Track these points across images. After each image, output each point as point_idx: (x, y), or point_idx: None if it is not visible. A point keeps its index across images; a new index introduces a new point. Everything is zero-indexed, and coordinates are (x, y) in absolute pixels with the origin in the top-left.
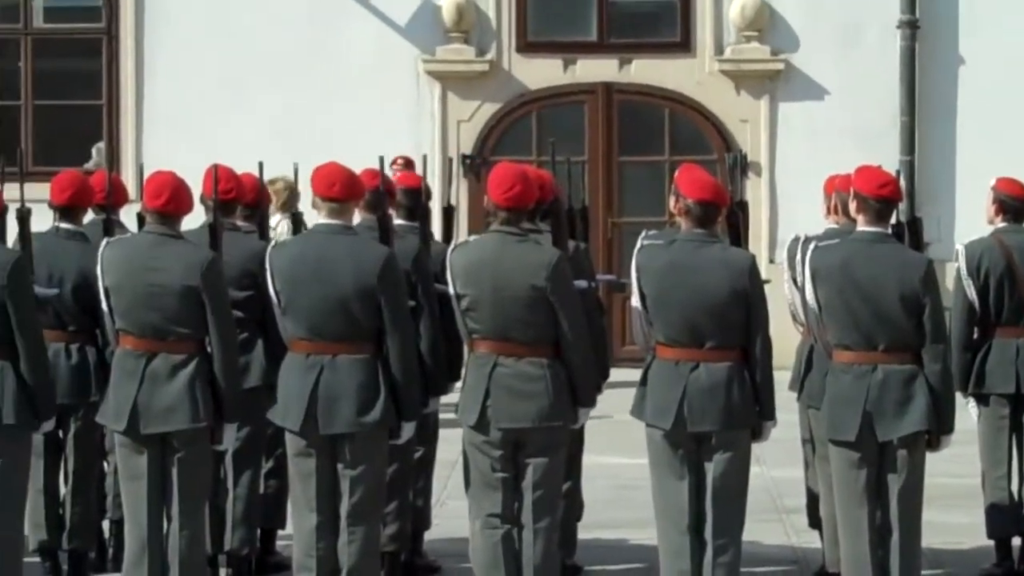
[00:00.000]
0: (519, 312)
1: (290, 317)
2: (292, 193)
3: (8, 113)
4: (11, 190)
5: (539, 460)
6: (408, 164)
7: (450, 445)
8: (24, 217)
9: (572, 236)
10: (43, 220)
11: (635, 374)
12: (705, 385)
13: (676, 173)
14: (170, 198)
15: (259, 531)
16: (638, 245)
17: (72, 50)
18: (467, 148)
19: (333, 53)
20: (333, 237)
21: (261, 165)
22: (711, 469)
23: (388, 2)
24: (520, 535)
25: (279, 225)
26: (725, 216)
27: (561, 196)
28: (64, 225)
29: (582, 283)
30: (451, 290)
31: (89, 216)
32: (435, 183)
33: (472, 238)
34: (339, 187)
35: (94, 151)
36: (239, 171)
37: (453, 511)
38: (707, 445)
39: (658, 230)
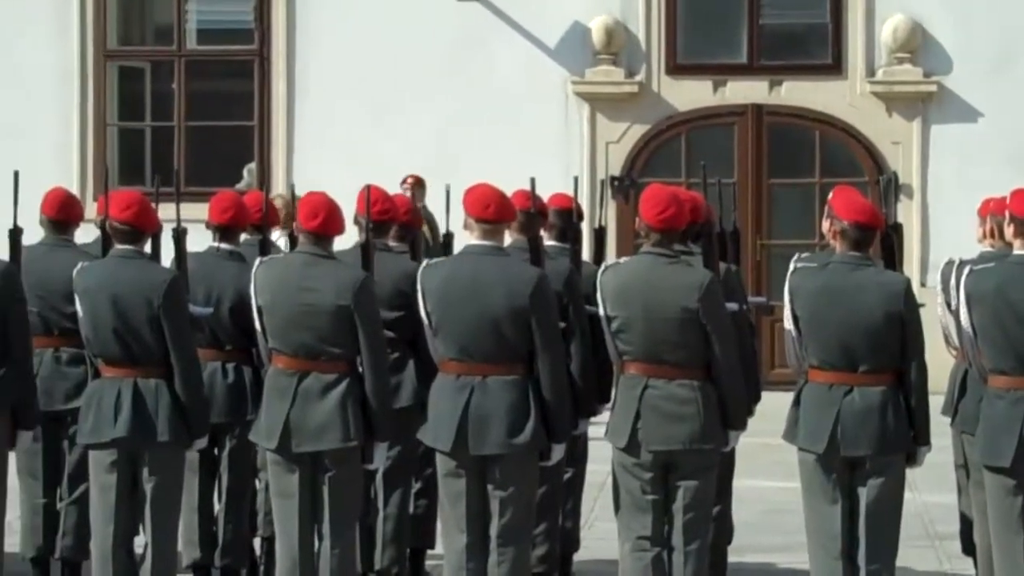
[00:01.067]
0: (670, 334)
1: (441, 338)
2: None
3: (162, 134)
4: (166, 210)
5: (690, 483)
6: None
7: (597, 466)
8: (180, 237)
9: (723, 258)
10: (196, 239)
11: (784, 397)
12: (859, 409)
13: (831, 195)
14: (326, 219)
15: (408, 551)
16: (791, 268)
17: (224, 72)
18: (616, 170)
19: (482, 75)
20: (485, 258)
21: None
22: (864, 494)
23: (538, 24)
24: (670, 558)
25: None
26: (879, 239)
27: (712, 218)
28: (222, 245)
29: (733, 305)
30: (602, 311)
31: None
32: (584, 204)
33: (623, 259)
34: (494, 208)
35: (245, 172)
36: (389, 192)
37: (601, 533)
38: (860, 470)
39: (811, 253)
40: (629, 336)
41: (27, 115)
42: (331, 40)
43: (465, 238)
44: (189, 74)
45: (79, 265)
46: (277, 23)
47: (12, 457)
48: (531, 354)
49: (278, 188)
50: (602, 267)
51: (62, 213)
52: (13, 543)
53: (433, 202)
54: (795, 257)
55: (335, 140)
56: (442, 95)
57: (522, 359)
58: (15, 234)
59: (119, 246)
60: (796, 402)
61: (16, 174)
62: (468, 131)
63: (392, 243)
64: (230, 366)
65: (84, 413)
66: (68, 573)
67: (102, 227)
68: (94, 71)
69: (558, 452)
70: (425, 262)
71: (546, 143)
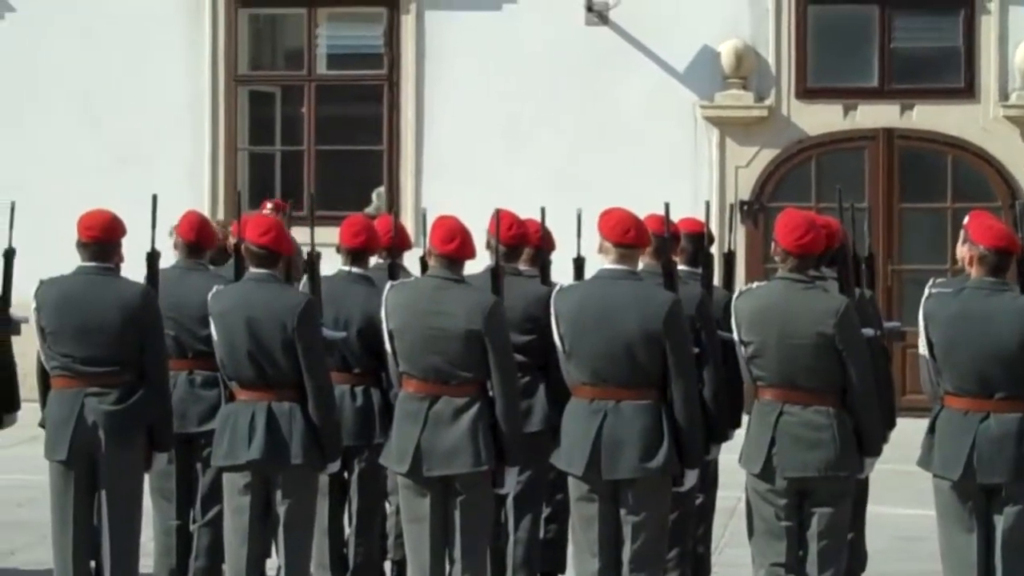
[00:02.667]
0: (806, 359)
1: (574, 362)
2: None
3: (292, 158)
4: (297, 233)
5: (825, 510)
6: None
7: (727, 492)
8: (314, 261)
9: (857, 283)
10: (325, 263)
11: (917, 423)
12: (995, 436)
13: (966, 220)
14: (461, 243)
15: (539, 575)
16: (926, 293)
17: (354, 96)
18: (745, 194)
19: (612, 99)
20: (619, 282)
21: (543, 210)
22: (1000, 522)
23: (667, 48)
24: None
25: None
26: (1016, 264)
27: (847, 243)
28: (352, 269)
29: (869, 331)
30: (736, 337)
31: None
32: (713, 229)
33: (757, 284)
34: (633, 233)
35: (374, 196)
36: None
37: (732, 559)
38: (997, 498)
39: (945, 278)
40: (764, 361)
41: (160, 140)
42: (460, 64)
43: (598, 261)
44: (319, 98)
45: (214, 289)
46: (406, 48)
47: (146, 478)
48: (664, 379)
49: (407, 212)
50: (736, 292)
51: (197, 236)
52: (147, 564)
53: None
54: (930, 282)
55: (463, 164)
56: (571, 119)
57: (655, 384)
58: (153, 257)
59: (254, 269)
60: (931, 429)
61: (155, 198)
62: (597, 155)
63: (523, 267)
64: (359, 389)
65: (219, 436)
66: None
67: (235, 250)
68: (225, 96)
69: (691, 478)
70: (558, 286)
71: (675, 167)
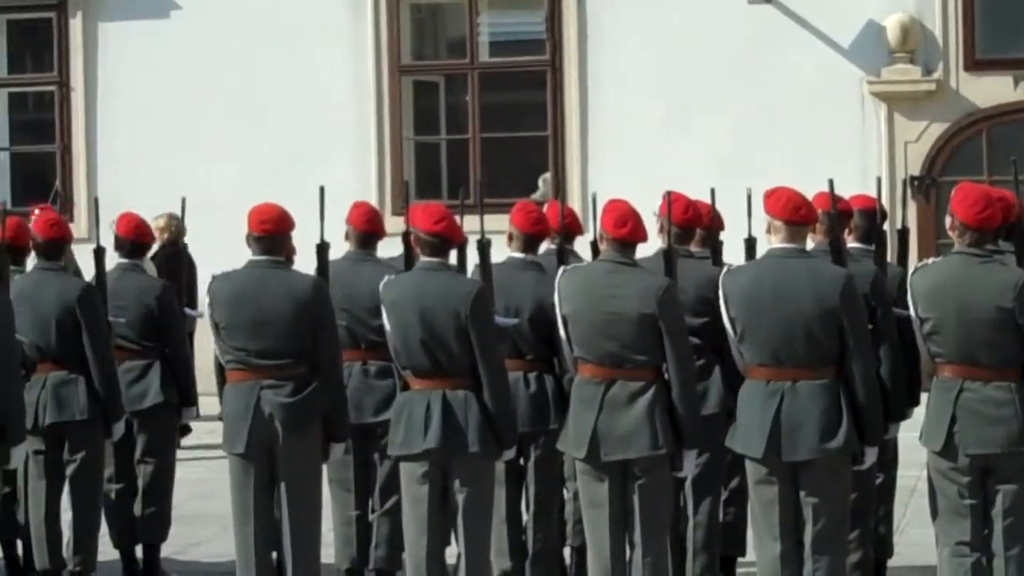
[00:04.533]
0: (985, 335)
1: (747, 343)
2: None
3: (457, 147)
4: (466, 222)
5: (1009, 487)
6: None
7: (906, 471)
8: (485, 248)
9: None
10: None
11: None
12: None
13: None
14: (634, 227)
15: (719, 559)
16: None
17: (517, 83)
18: (914, 169)
19: (776, 77)
20: (789, 261)
21: (713, 192)
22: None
23: (831, 24)
24: (990, 563)
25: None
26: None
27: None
28: (522, 255)
29: None
30: (913, 313)
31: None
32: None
33: (932, 260)
34: (804, 210)
35: (541, 182)
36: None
37: (914, 538)
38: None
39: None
40: (942, 338)
41: (326, 133)
42: (623, 47)
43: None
44: (482, 86)
45: (385, 278)
46: (569, 33)
47: (324, 469)
48: (841, 357)
49: (574, 197)
50: (912, 268)
51: (369, 226)
52: (327, 555)
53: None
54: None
55: (629, 147)
56: (736, 98)
57: (832, 362)
58: (323, 249)
59: (425, 258)
60: None
61: (322, 189)
62: (763, 134)
63: (694, 249)
64: (532, 375)
65: (394, 425)
66: None
67: (405, 240)
68: (389, 86)
69: (871, 456)
70: (726, 267)
71: (842, 144)
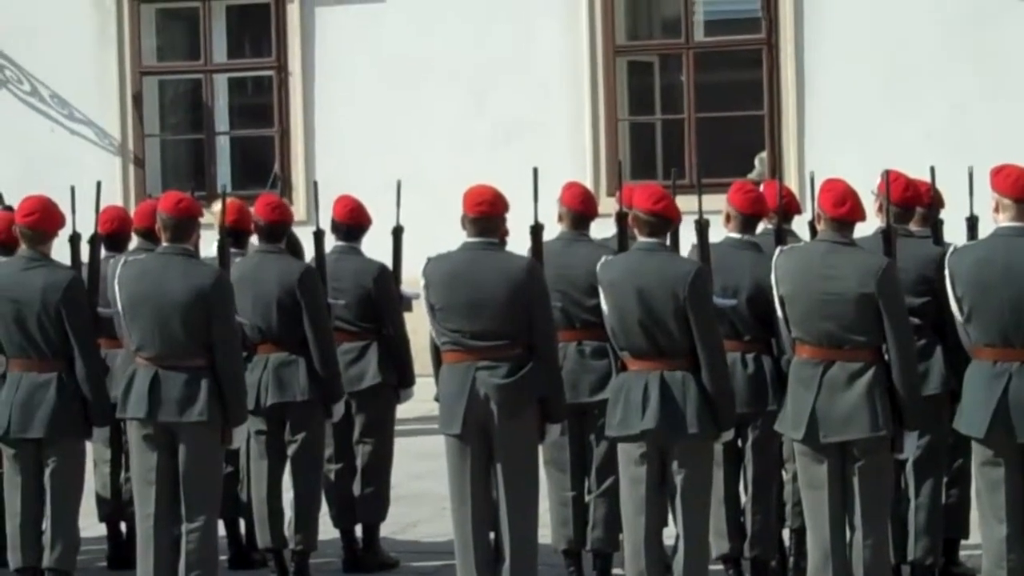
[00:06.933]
0: None
1: (975, 323)
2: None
3: (672, 127)
4: (682, 202)
5: None
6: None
7: None
8: (703, 228)
9: None
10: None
11: None
12: None
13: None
14: (852, 206)
15: (942, 541)
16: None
17: (733, 62)
18: None
19: (1001, 50)
20: (1018, 240)
21: (932, 170)
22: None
23: None
24: None
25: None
26: None
27: None
28: (739, 235)
29: None
30: None
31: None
32: None
33: None
34: None
35: (756, 161)
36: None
37: None
38: None
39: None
40: None
41: (541, 114)
42: (840, 24)
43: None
44: (697, 66)
45: (603, 259)
46: (785, 10)
47: (540, 450)
48: None
49: (791, 176)
50: None
51: (583, 207)
52: (544, 535)
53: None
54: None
55: (848, 125)
56: (956, 75)
57: None
58: (537, 230)
59: (643, 239)
60: None
61: (535, 171)
62: (985, 110)
63: (914, 228)
64: (750, 356)
65: (611, 406)
66: (600, 565)
67: (619, 220)
68: (604, 67)
69: None
70: (952, 247)
71: None
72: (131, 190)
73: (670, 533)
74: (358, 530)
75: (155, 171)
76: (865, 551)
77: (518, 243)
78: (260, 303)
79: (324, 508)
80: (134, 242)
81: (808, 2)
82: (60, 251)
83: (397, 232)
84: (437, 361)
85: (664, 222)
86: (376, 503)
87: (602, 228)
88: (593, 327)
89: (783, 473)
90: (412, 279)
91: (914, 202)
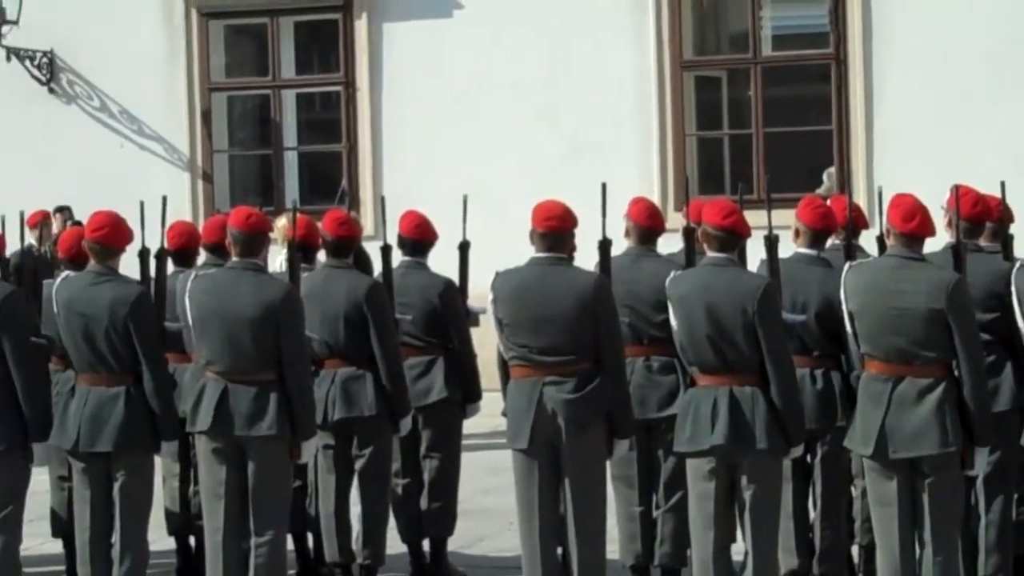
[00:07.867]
0: None
1: None
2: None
3: (740, 142)
4: (751, 217)
5: None
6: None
7: None
8: (773, 244)
9: None
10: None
11: None
12: None
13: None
14: (921, 221)
15: (1012, 558)
16: None
17: (800, 76)
18: None
19: None
20: None
21: (1003, 184)
22: None
23: None
24: None
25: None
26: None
27: None
28: (808, 251)
29: None
30: None
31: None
32: None
33: None
34: None
35: (825, 176)
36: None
37: None
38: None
39: None
40: None
41: (608, 129)
42: (908, 39)
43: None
44: (765, 81)
45: (672, 274)
46: (853, 25)
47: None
48: None
49: (859, 191)
50: None
51: (650, 222)
52: (612, 551)
53: (1020, 198)
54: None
55: (916, 140)
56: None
57: None
58: (605, 246)
59: (712, 253)
60: None
61: (603, 186)
62: None
63: (984, 243)
64: (819, 372)
65: (680, 421)
66: None
67: (687, 235)
68: (671, 81)
69: None
70: (1019, 262)
71: None
72: (200, 205)
73: (738, 549)
74: (425, 544)
75: (223, 186)
76: (935, 568)
77: (585, 258)
78: (328, 318)
79: (392, 523)
80: (202, 257)
81: (876, 16)
82: (129, 266)
83: (464, 247)
84: (505, 376)
85: (734, 237)
86: (444, 517)
87: (669, 243)
88: (661, 343)
89: (852, 489)
90: (478, 294)
91: (984, 217)
